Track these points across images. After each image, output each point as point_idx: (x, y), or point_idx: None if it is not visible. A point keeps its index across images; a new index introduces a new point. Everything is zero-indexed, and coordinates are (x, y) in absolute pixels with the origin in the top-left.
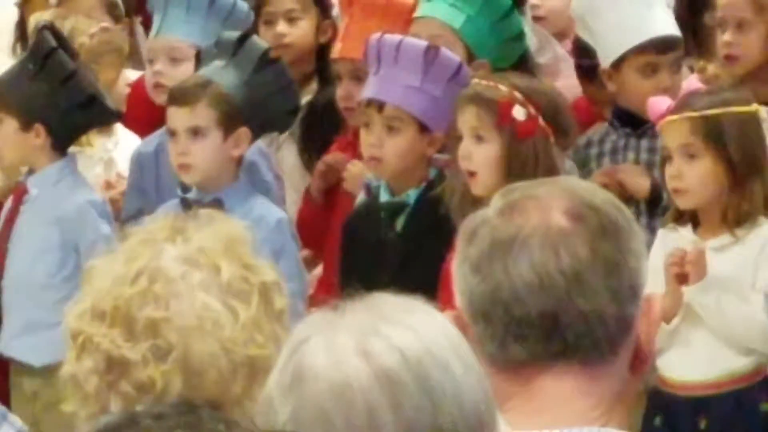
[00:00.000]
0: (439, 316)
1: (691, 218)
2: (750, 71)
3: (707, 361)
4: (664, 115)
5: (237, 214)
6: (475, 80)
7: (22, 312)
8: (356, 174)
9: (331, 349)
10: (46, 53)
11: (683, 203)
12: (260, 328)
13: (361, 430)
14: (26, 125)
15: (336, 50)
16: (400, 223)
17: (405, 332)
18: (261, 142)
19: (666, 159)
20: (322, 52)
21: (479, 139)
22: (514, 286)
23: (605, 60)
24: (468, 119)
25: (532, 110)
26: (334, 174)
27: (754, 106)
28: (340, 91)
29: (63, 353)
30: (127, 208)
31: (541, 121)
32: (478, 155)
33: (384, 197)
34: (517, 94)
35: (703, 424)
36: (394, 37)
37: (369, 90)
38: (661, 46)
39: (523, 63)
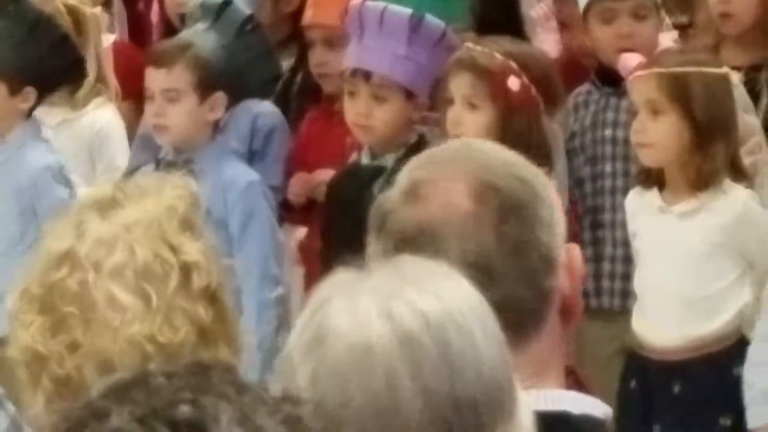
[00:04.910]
0: (464, 282)
1: (657, 181)
2: (742, 31)
3: (680, 325)
4: (634, 71)
5: (208, 175)
6: (469, 45)
7: None
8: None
9: (353, 310)
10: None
11: (646, 159)
12: (176, 311)
13: (380, 394)
14: (16, 89)
15: (307, 17)
16: (377, 187)
17: (429, 297)
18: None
19: (634, 114)
20: (295, 20)
21: (472, 107)
22: None
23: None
24: (461, 86)
25: (526, 80)
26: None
27: (724, 69)
28: (314, 58)
29: None
30: None
31: (533, 90)
32: (470, 123)
33: (365, 160)
34: (512, 64)
35: (676, 388)
36: (376, 5)
37: (353, 59)
38: None
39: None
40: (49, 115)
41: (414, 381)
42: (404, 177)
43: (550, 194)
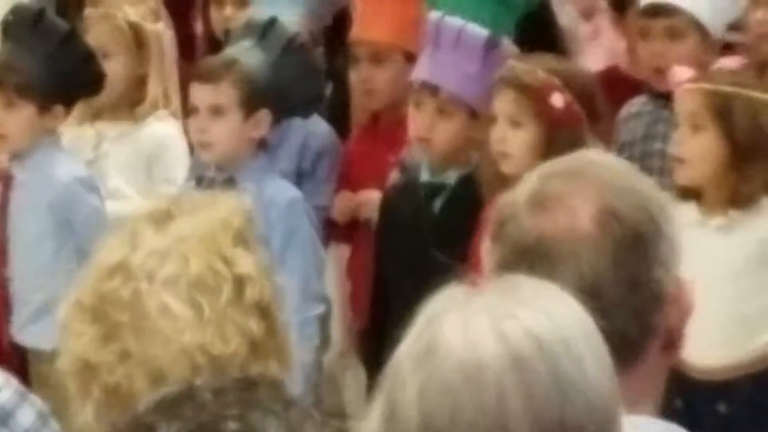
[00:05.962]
0: (575, 305)
1: (695, 194)
2: None
3: (722, 344)
4: (682, 84)
5: (250, 192)
6: (512, 62)
7: (30, 298)
8: (373, 201)
9: (467, 327)
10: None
11: (680, 174)
12: (228, 323)
13: (489, 413)
14: (45, 109)
15: (353, 33)
16: (438, 203)
17: (543, 319)
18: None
19: (675, 127)
20: (332, 34)
21: (515, 124)
22: None
23: None
24: (505, 104)
25: (569, 97)
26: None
27: None
28: (359, 74)
29: None
30: None
31: (576, 107)
32: (514, 140)
33: (425, 176)
34: (556, 80)
35: (723, 408)
36: (455, 22)
37: (423, 71)
38: (650, 11)
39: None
40: (110, 127)
41: (524, 403)
42: (532, 182)
43: (673, 229)
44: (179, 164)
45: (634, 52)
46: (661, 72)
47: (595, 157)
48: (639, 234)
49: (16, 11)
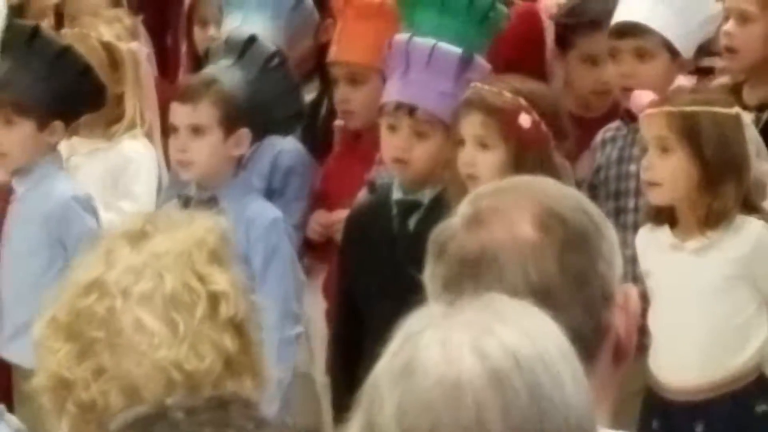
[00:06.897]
0: (551, 323)
1: (668, 219)
2: (750, 69)
3: (699, 364)
4: (645, 108)
5: (231, 212)
6: (478, 85)
7: (15, 314)
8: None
9: (445, 344)
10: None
11: (654, 197)
12: (203, 340)
13: (468, 428)
14: (44, 125)
15: (331, 53)
16: (412, 221)
17: (520, 336)
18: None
19: (645, 151)
20: (323, 52)
21: (484, 146)
22: None
23: None
24: (472, 126)
25: (536, 116)
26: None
27: (735, 109)
28: (337, 95)
29: None
30: None
31: (543, 126)
32: (483, 162)
33: (397, 195)
34: (522, 101)
35: (700, 428)
36: (426, 41)
37: (396, 93)
38: (618, 31)
39: None
40: (83, 143)
41: (502, 420)
42: (466, 206)
43: (611, 232)
44: (143, 180)
45: (571, 88)
46: (630, 92)
47: (522, 177)
48: (581, 232)
49: (10, 29)
